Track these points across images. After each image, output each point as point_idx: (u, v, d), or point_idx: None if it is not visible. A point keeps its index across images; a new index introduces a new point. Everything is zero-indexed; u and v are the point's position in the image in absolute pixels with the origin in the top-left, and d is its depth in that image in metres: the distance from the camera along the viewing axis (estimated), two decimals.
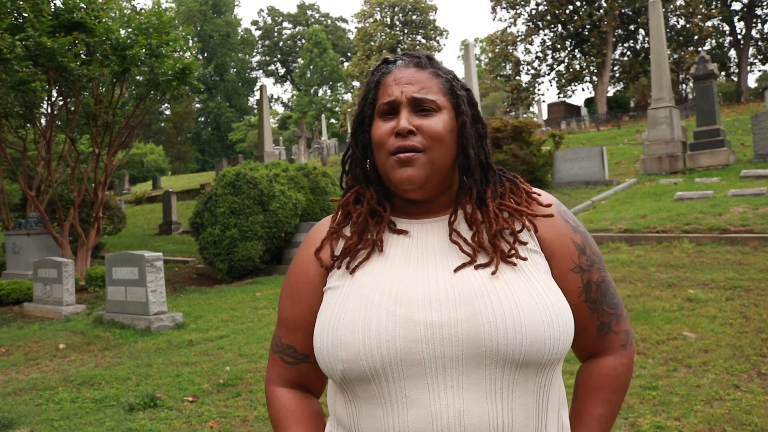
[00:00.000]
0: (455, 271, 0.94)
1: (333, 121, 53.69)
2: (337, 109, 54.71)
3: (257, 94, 47.69)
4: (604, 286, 1.04)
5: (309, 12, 69.11)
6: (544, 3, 37.39)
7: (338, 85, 60.66)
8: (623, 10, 35.51)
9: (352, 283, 0.98)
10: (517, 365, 0.89)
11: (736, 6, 37.51)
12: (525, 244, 0.99)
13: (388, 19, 49.64)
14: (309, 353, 1.04)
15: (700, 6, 33.56)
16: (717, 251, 6.82)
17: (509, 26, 39.78)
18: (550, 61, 39.34)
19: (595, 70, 37.26)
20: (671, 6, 34.19)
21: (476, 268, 0.95)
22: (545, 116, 37.80)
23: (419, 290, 0.93)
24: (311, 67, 59.78)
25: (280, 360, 1.09)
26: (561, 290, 0.99)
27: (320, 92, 61.79)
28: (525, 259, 0.97)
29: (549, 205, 1.04)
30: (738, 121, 21.60)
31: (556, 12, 36.90)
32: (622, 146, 19.81)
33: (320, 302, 1.02)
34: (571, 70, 38.64)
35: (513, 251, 0.97)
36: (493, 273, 0.93)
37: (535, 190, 1.07)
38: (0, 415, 4.05)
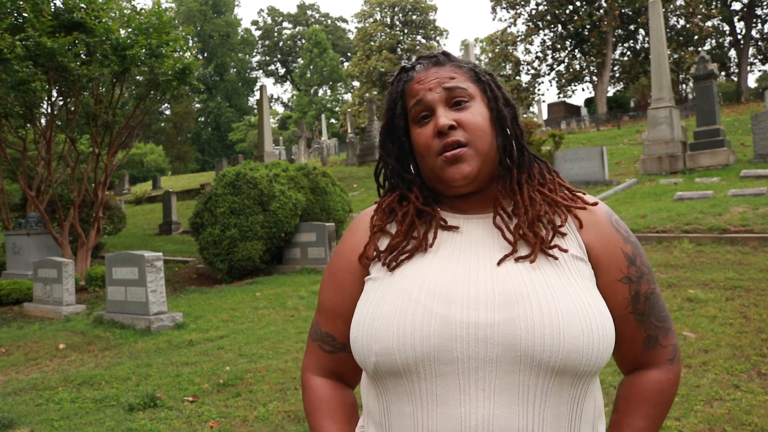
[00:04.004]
0: (498, 264, 0.93)
1: (333, 121, 53.69)
2: (337, 109, 54.67)
3: (257, 94, 47.68)
4: (653, 299, 1.01)
5: (309, 12, 69.14)
6: (544, 3, 37.40)
7: (338, 85, 60.68)
8: (623, 10, 35.52)
9: (393, 274, 0.97)
10: (552, 373, 0.86)
11: (736, 6, 37.54)
12: (564, 236, 0.97)
13: (388, 19, 49.57)
14: (348, 342, 1.01)
15: (700, 6, 33.57)
16: (717, 251, 6.82)
17: (509, 26, 39.88)
18: (550, 61, 39.39)
19: (595, 70, 37.28)
20: (671, 6, 34.20)
21: (517, 260, 0.93)
22: (545, 116, 37.86)
23: (459, 288, 0.91)
24: (311, 67, 59.81)
25: (318, 348, 1.08)
26: (607, 300, 0.96)
27: (320, 92, 61.82)
28: (566, 251, 0.95)
29: (595, 204, 1.02)
30: (738, 121, 21.60)
31: (556, 12, 36.91)
32: (622, 146, 19.80)
33: (361, 291, 1.01)
34: (571, 70, 38.67)
35: (552, 240, 0.95)
36: (532, 261, 0.92)
37: (578, 190, 1.05)
38: (0, 415, 4.05)
